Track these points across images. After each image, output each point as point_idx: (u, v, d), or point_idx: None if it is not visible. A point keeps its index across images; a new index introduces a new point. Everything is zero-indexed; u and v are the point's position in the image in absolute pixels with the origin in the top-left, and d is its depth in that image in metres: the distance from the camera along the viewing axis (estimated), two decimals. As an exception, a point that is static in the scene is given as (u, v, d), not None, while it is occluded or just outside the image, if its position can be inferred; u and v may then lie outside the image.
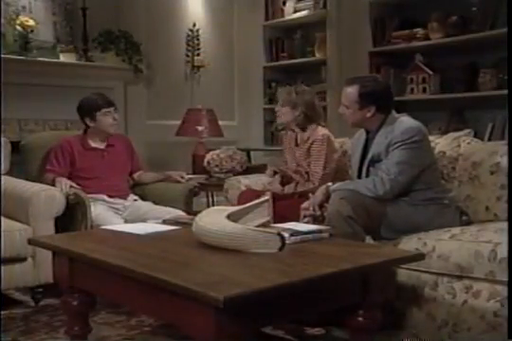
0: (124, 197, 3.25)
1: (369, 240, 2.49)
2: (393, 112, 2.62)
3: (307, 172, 3.11)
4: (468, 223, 2.62)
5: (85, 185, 3.12)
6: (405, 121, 2.56)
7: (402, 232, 2.46)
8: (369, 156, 2.61)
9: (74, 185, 3.03)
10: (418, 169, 2.51)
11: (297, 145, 3.19)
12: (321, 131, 3.09)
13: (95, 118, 3.22)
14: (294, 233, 2.07)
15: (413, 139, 2.48)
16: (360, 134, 2.77)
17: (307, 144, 3.11)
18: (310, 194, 2.63)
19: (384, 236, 2.48)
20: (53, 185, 3.00)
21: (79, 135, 3.33)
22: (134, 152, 3.46)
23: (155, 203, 3.27)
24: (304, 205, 2.60)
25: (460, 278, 2.24)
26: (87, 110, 3.24)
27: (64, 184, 2.99)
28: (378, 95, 2.57)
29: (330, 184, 2.58)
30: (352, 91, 2.58)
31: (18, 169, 3.39)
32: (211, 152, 4.22)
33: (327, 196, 2.53)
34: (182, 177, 3.44)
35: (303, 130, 3.15)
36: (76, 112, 3.31)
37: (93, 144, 3.29)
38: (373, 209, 2.42)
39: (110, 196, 3.18)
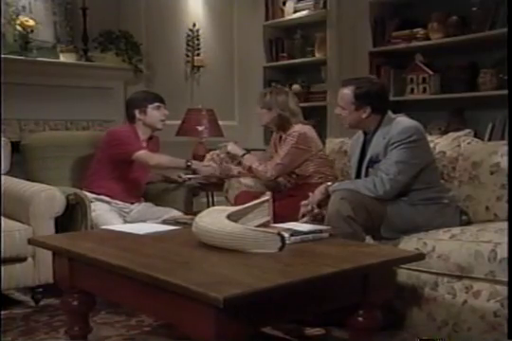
0: (134, 202, 3.23)
1: (369, 239, 2.49)
2: (390, 112, 2.63)
3: (293, 172, 3.12)
4: (468, 222, 2.62)
5: (108, 186, 3.10)
6: (402, 121, 2.57)
7: (402, 232, 2.47)
8: (367, 157, 2.62)
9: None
10: (417, 168, 2.51)
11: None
12: (298, 127, 3.09)
13: (145, 111, 3.16)
14: (294, 233, 2.07)
15: (411, 139, 2.49)
16: (359, 136, 2.78)
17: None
18: (310, 193, 2.64)
19: (384, 236, 2.48)
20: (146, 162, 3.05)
21: (130, 128, 3.20)
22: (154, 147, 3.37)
23: (156, 204, 3.27)
24: (305, 202, 2.61)
25: (460, 278, 2.24)
26: (140, 101, 3.19)
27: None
28: (373, 95, 2.58)
29: (329, 183, 2.59)
30: (347, 92, 2.60)
31: (18, 169, 3.38)
32: (212, 152, 4.22)
33: (326, 195, 2.54)
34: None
35: (284, 130, 3.15)
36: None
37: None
38: (373, 209, 2.42)
39: (124, 201, 3.17)
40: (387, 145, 2.52)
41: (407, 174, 2.48)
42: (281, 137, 3.21)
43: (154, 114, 3.18)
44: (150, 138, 3.27)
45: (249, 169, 3.11)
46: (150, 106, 3.17)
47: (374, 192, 2.45)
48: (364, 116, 2.60)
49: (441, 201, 2.56)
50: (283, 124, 3.14)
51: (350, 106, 2.60)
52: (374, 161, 2.58)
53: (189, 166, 3.13)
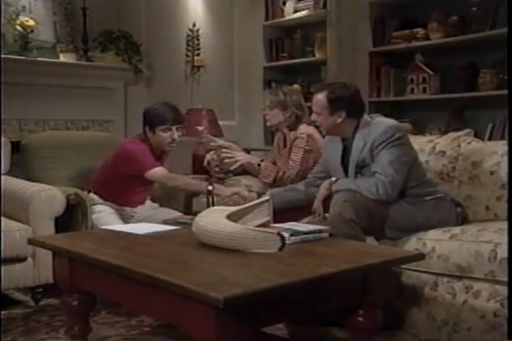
0: (138, 206, 3.21)
1: (372, 240, 2.49)
2: (366, 116, 2.63)
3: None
4: (465, 216, 2.63)
5: (116, 194, 3.08)
6: (381, 121, 2.58)
7: (405, 231, 2.47)
8: (353, 164, 2.58)
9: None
10: (408, 165, 2.52)
11: (285, 146, 3.20)
12: (304, 128, 3.10)
13: (154, 131, 3.02)
14: (294, 233, 2.07)
15: (396, 137, 2.49)
16: (334, 141, 2.72)
17: (291, 142, 3.13)
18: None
19: (389, 236, 2.48)
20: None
21: (144, 143, 3.07)
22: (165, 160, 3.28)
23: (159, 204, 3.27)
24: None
25: (460, 278, 2.25)
26: (150, 120, 3.04)
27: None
28: (347, 100, 2.57)
29: (333, 179, 2.59)
30: (321, 97, 2.59)
31: (18, 169, 3.39)
32: (212, 152, 4.22)
33: (331, 191, 2.55)
34: None
35: (292, 130, 3.15)
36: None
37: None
38: (375, 210, 2.42)
39: (130, 207, 3.15)
40: (371, 148, 2.50)
41: (403, 173, 2.48)
42: (285, 138, 3.20)
43: (161, 136, 3.02)
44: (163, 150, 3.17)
45: (274, 180, 3.05)
46: (158, 127, 3.01)
47: (376, 195, 2.43)
48: (339, 120, 2.58)
49: (436, 195, 2.56)
50: (294, 124, 3.14)
51: (324, 111, 2.58)
52: (361, 166, 2.56)
53: (210, 191, 2.89)
